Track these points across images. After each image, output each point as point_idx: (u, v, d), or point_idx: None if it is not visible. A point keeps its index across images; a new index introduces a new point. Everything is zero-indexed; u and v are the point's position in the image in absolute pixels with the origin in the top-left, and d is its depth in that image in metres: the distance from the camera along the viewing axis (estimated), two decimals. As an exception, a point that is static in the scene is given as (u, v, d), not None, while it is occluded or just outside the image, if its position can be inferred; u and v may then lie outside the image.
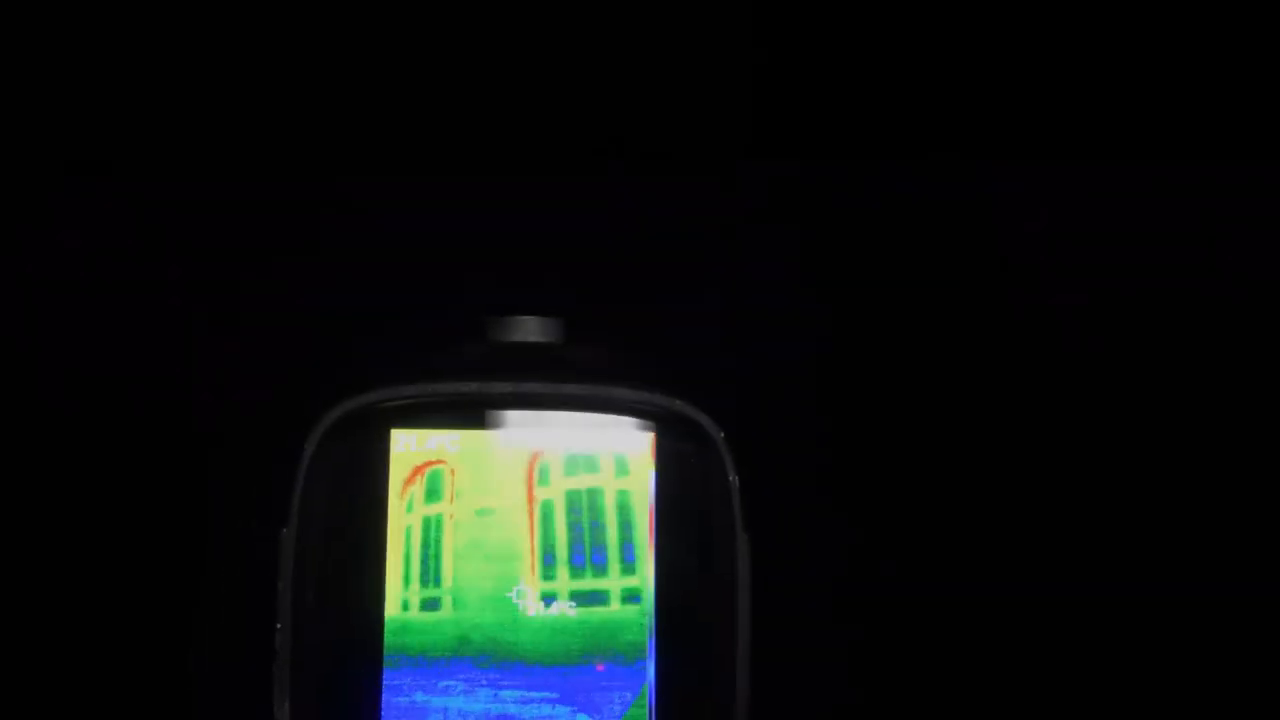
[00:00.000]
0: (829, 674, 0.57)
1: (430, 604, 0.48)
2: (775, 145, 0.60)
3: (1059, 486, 0.57)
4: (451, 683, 0.48)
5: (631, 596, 0.48)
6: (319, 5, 0.59)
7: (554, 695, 0.48)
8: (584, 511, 0.48)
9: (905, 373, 0.58)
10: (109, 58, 0.59)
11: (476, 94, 0.59)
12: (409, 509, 0.48)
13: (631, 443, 0.49)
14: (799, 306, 0.59)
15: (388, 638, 0.48)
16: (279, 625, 0.47)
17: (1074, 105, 0.60)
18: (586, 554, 0.48)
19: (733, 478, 0.48)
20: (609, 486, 0.49)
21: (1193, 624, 0.56)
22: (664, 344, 0.57)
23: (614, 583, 0.48)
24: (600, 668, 0.48)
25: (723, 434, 0.48)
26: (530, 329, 0.51)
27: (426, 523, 0.48)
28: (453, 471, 0.48)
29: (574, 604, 0.48)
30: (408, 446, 0.48)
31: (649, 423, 0.49)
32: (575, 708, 0.48)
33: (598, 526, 0.48)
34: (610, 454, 0.49)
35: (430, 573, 0.48)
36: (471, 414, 0.49)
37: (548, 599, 0.48)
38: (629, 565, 0.48)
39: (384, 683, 0.47)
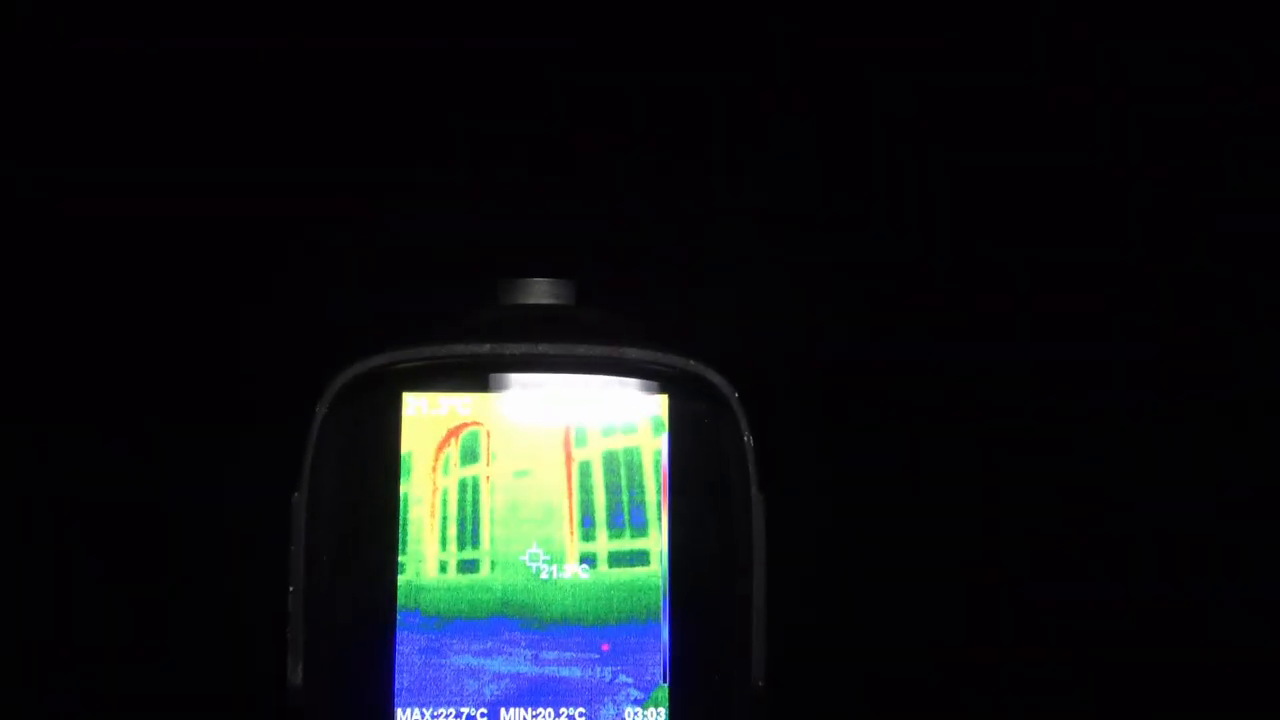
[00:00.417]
0: (847, 639, 0.57)
1: (468, 565, 0.48)
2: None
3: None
4: (491, 644, 0.47)
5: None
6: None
7: (595, 656, 0.47)
8: (621, 471, 0.48)
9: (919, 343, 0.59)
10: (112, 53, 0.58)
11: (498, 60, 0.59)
12: (445, 471, 0.48)
13: (648, 404, 0.49)
14: (812, 277, 0.59)
15: (425, 600, 0.47)
16: (291, 588, 0.46)
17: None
18: (626, 514, 0.48)
19: (747, 437, 0.48)
20: (646, 446, 0.49)
21: (1192, 624, 0.57)
22: (677, 307, 0.57)
23: (654, 543, 0.48)
24: (641, 627, 0.48)
25: (736, 394, 0.48)
26: (542, 291, 0.51)
27: (463, 484, 0.48)
28: (489, 434, 0.48)
29: (613, 565, 0.48)
30: (419, 410, 0.48)
31: (662, 383, 0.49)
32: (617, 668, 0.48)
33: (636, 486, 0.48)
34: (647, 415, 0.49)
35: (467, 535, 0.48)
36: (483, 377, 0.48)
37: (587, 560, 0.48)
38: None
39: (421, 645, 0.47)
